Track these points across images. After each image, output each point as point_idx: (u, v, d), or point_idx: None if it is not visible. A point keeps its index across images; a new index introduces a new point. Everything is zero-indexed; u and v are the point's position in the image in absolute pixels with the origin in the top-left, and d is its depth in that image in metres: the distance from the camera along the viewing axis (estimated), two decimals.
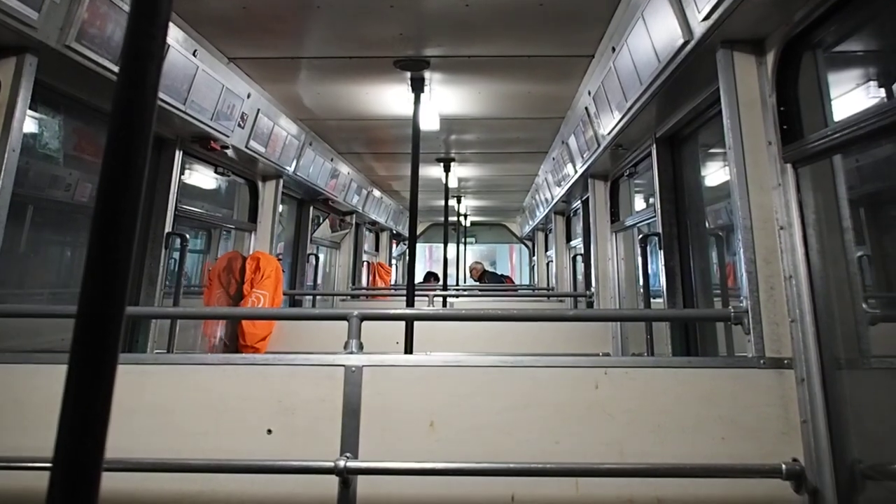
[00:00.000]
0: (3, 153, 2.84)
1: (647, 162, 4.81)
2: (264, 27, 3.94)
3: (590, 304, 6.60)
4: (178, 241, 4.60)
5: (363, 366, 2.66)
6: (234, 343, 5.41)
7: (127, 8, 0.82)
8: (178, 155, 4.63)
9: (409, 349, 3.94)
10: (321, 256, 8.89)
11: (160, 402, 2.64)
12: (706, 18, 2.67)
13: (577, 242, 8.42)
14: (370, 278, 12.08)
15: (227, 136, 4.75)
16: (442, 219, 8.50)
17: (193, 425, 2.62)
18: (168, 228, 4.50)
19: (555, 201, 8.25)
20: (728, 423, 2.51)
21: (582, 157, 5.77)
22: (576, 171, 6.25)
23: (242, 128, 4.94)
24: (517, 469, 2.46)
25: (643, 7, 3.24)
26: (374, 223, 11.52)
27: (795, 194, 2.56)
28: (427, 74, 4.75)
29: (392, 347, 4.10)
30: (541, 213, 10.05)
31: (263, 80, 4.91)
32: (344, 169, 8.07)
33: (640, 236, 4.66)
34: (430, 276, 12.79)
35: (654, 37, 3.23)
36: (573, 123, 5.66)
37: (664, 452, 2.49)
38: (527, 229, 13.16)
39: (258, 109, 5.08)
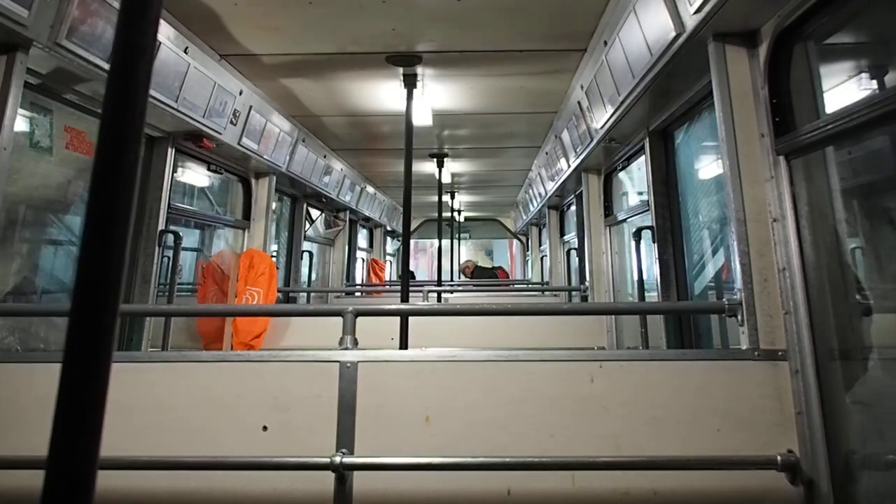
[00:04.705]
0: None
1: (640, 155, 4.82)
2: (256, 23, 3.93)
3: (584, 299, 6.60)
4: (171, 238, 4.59)
5: (358, 362, 2.66)
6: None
7: (117, 5, 0.81)
8: (171, 152, 4.62)
9: (404, 345, 3.94)
10: (315, 253, 8.88)
11: (155, 400, 2.64)
12: (697, 11, 2.67)
13: (571, 237, 8.43)
14: (365, 275, 12.08)
15: (220, 134, 4.74)
16: (436, 214, 8.48)
17: (188, 423, 2.61)
18: (161, 226, 4.49)
19: (548, 196, 8.26)
20: (723, 415, 2.52)
21: (575, 151, 5.78)
22: (569, 166, 6.26)
23: (235, 125, 4.93)
24: (513, 463, 2.47)
25: (635, 1, 3.24)
26: (368, 219, 11.51)
27: (788, 186, 2.57)
28: (419, 70, 4.75)
29: (387, 343, 4.11)
30: (534, 208, 10.06)
31: (255, 76, 4.90)
32: (337, 165, 8.06)
33: (634, 230, 4.66)
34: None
35: (645, 30, 3.23)
36: (566, 118, 5.66)
37: (660, 445, 2.50)
38: (521, 224, 13.16)
39: (250, 106, 5.07)
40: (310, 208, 8.27)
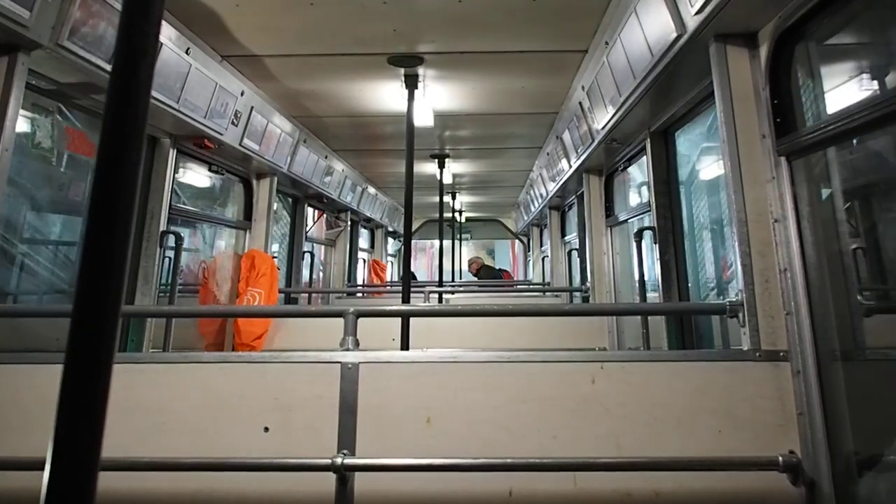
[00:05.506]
0: None
1: (641, 156, 4.82)
2: (257, 25, 3.93)
3: (585, 299, 6.60)
4: (172, 239, 4.59)
5: (359, 362, 2.65)
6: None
7: (119, 6, 0.81)
8: (172, 153, 4.62)
9: (405, 346, 3.94)
10: (316, 254, 8.88)
11: (156, 401, 2.64)
12: (699, 12, 2.67)
13: (572, 237, 8.43)
14: (366, 276, 12.07)
15: (221, 135, 4.74)
16: (437, 215, 8.47)
17: (190, 424, 2.61)
18: (163, 227, 4.49)
19: (549, 196, 8.25)
20: (724, 415, 2.52)
21: (576, 151, 5.78)
22: (570, 166, 6.25)
23: (236, 126, 4.93)
24: (514, 464, 2.47)
25: (636, 1, 3.24)
26: (369, 220, 11.50)
27: (790, 187, 2.57)
28: (421, 70, 4.75)
29: (388, 344, 4.10)
30: (536, 209, 10.06)
31: (257, 77, 4.90)
32: (338, 166, 8.06)
33: (635, 230, 4.66)
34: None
35: (646, 31, 3.23)
36: (567, 118, 5.66)
37: (661, 446, 2.50)
38: (522, 225, 13.15)
39: (252, 107, 5.07)
40: (311, 209, 8.26)
